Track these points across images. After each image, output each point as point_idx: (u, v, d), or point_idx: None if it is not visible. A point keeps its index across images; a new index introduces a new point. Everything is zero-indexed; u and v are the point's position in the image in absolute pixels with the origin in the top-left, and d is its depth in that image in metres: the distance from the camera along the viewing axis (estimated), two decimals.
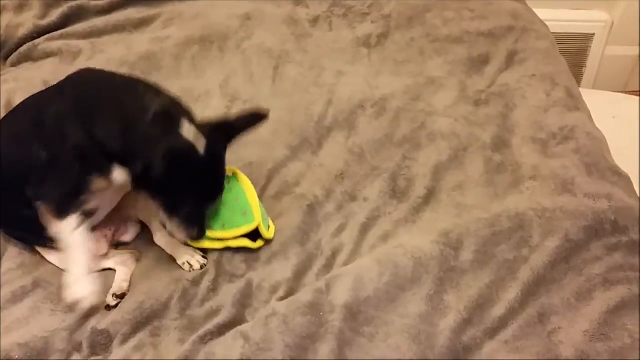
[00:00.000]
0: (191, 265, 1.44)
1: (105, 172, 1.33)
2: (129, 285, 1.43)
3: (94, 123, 1.31)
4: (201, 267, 1.44)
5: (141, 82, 1.43)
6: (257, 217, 1.43)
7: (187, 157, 1.28)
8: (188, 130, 1.28)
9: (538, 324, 1.27)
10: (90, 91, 1.39)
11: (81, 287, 1.31)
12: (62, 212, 1.33)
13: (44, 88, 1.83)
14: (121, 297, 1.40)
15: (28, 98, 1.52)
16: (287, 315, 1.27)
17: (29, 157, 1.37)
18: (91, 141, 1.30)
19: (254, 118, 1.43)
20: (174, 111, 1.33)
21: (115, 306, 1.39)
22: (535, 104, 1.75)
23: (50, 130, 1.35)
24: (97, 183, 1.34)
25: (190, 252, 1.46)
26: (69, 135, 1.32)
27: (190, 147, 1.28)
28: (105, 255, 1.48)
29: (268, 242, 1.47)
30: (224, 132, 1.37)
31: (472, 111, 1.74)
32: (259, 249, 1.45)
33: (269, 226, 1.47)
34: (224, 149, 1.38)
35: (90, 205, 1.39)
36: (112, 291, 1.41)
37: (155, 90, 1.39)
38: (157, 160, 1.23)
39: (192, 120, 1.33)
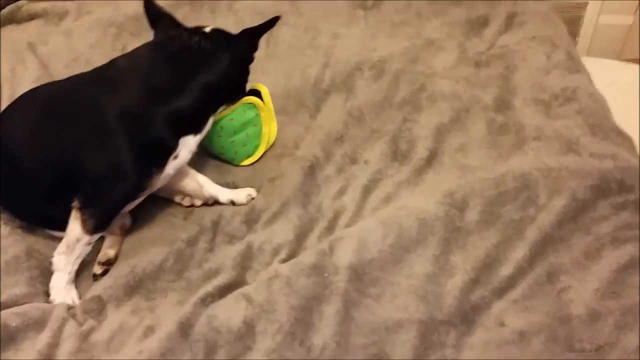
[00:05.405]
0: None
1: (164, 162, 1.32)
2: (117, 252, 1.38)
3: (164, 95, 1.30)
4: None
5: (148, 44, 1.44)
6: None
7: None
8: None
9: (547, 283, 1.24)
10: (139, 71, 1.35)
11: (65, 293, 1.31)
12: (97, 230, 1.30)
13: (28, 50, 1.76)
14: (107, 263, 1.36)
15: (54, 86, 1.44)
16: (291, 277, 1.23)
17: (73, 156, 1.28)
18: (164, 122, 1.29)
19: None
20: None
21: (103, 274, 1.34)
22: (536, 65, 1.72)
23: (108, 129, 1.27)
24: (152, 183, 1.32)
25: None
26: (133, 130, 1.27)
27: None
28: None
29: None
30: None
31: (473, 72, 1.71)
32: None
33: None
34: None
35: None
36: (97, 259, 1.36)
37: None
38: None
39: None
